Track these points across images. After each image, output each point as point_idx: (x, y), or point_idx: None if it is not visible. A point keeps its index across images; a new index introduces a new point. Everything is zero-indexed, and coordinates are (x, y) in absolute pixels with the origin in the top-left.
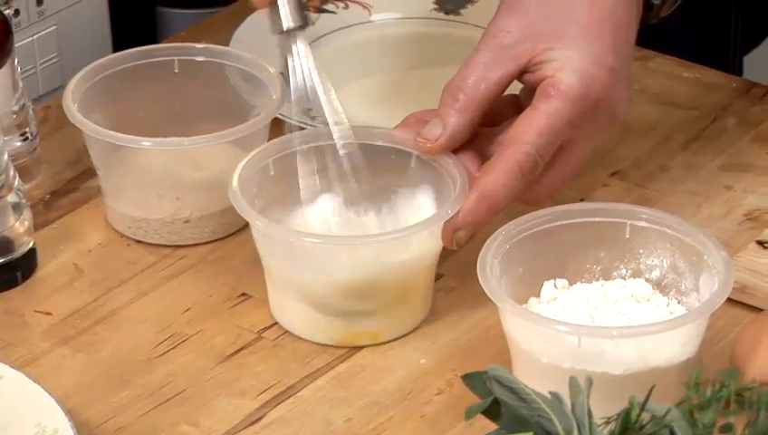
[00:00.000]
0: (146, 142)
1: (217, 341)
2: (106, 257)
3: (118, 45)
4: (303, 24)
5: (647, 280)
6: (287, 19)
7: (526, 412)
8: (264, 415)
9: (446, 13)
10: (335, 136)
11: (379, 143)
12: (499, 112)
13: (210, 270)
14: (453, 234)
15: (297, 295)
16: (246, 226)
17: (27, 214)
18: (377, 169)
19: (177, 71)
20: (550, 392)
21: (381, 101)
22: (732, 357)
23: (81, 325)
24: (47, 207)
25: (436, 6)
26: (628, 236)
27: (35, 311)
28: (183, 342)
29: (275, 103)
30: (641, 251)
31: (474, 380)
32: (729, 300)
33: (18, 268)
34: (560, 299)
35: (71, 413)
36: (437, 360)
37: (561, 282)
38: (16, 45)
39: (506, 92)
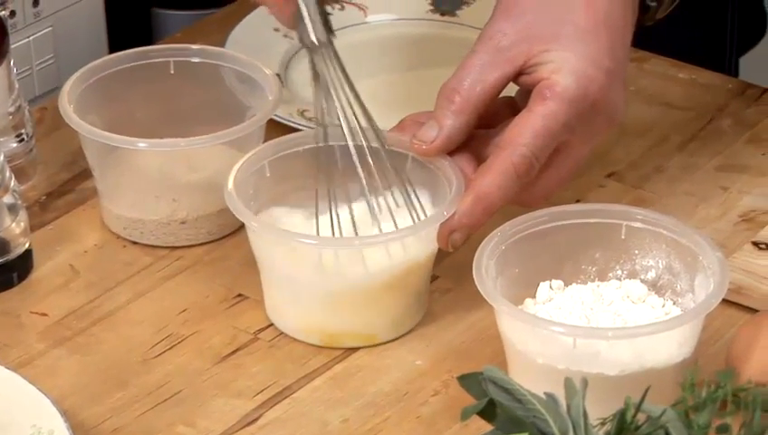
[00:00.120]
0: (142, 144)
1: (214, 342)
2: (102, 259)
3: (114, 47)
4: (330, 36)
5: (642, 281)
6: (314, 34)
7: (522, 413)
8: (261, 416)
9: (442, 14)
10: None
11: (375, 145)
12: (495, 114)
13: (206, 271)
14: (449, 236)
15: (293, 297)
16: (243, 226)
17: (23, 215)
18: (373, 170)
19: (172, 72)
20: (545, 393)
21: (377, 103)
22: (728, 358)
23: (78, 326)
24: (43, 209)
25: (431, 8)
26: (623, 237)
27: (31, 312)
28: (179, 342)
29: (271, 104)
30: (637, 252)
31: (469, 381)
32: (724, 301)
33: (14, 269)
34: (555, 300)
35: (67, 414)
36: (433, 361)
37: (557, 283)
38: (12, 46)
39: (502, 94)
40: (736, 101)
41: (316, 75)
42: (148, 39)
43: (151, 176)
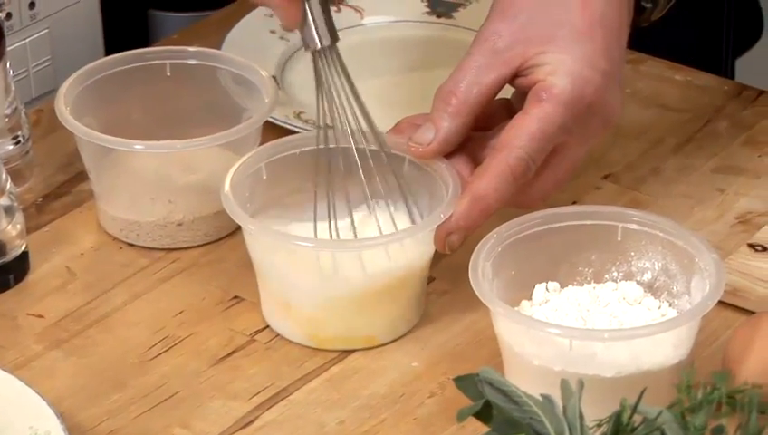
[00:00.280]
0: (138, 145)
1: (210, 343)
2: (98, 260)
3: (110, 49)
4: (334, 41)
5: (638, 283)
6: (317, 38)
7: (518, 415)
8: (257, 418)
9: (439, 16)
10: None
11: (372, 147)
12: (491, 116)
13: (203, 273)
14: (446, 238)
15: (289, 299)
16: (239, 228)
17: (19, 217)
18: (370, 173)
19: (169, 74)
20: (541, 395)
21: (374, 105)
22: (724, 359)
23: (74, 328)
24: (39, 211)
25: (428, 10)
26: (619, 238)
27: (28, 314)
28: (176, 344)
29: (267, 106)
30: (633, 254)
31: (465, 382)
32: (721, 303)
33: (10, 271)
34: (551, 302)
35: (63, 416)
36: (429, 363)
37: (553, 285)
38: (9, 49)
39: (498, 96)
40: (733, 103)
41: (319, 78)
42: (145, 41)
43: (148, 178)
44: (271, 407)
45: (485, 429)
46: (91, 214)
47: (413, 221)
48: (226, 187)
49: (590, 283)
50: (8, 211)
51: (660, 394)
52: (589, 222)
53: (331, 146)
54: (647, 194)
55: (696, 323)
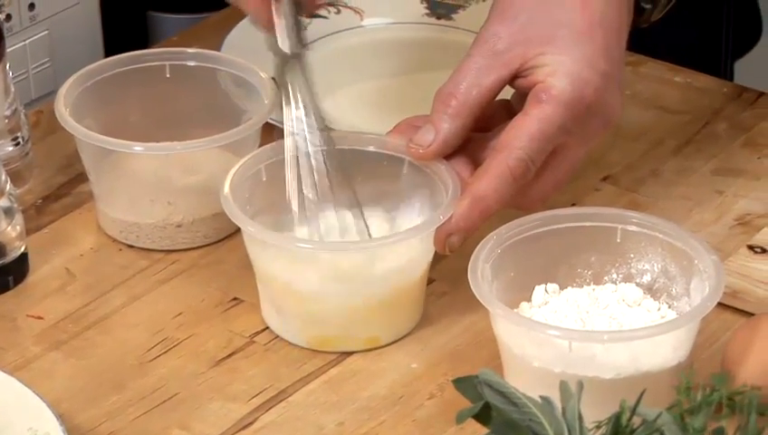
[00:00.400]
0: (137, 147)
1: (209, 345)
2: (98, 262)
3: (110, 50)
4: (300, 50)
5: (638, 284)
6: (284, 44)
7: (517, 416)
8: (256, 419)
9: (438, 18)
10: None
11: (371, 149)
12: (491, 118)
13: (202, 274)
14: (445, 239)
15: (288, 300)
16: (238, 230)
17: (19, 218)
18: (369, 175)
19: (168, 75)
20: (541, 397)
21: (373, 107)
22: (723, 361)
23: (73, 330)
24: (39, 212)
25: (427, 11)
26: (619, 240)
27: (27, 315)
28: (175, 346)
29: (267, 108)
30: (632, 255)
31: (465, 384)
32: (720, 304)
33: (10, 273)
34: (551, 303)
35: (62, 417)
36: (429, 364)
37: (552, 286)
38: (8, 50)
39: (498, 97)
40: (732, 104)
41: (283, 84)
42: (144, 43)
43: (147, 179)
44: (270, 408)
45: (485, 430)
46: (90, 215)
47: (409, 224)
48: (226, 188)
49: (589, 284)
50: (8, 212)
51: (660, 396)
52: (588, 224)
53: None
54: (646, 196)
55: (696, 325)
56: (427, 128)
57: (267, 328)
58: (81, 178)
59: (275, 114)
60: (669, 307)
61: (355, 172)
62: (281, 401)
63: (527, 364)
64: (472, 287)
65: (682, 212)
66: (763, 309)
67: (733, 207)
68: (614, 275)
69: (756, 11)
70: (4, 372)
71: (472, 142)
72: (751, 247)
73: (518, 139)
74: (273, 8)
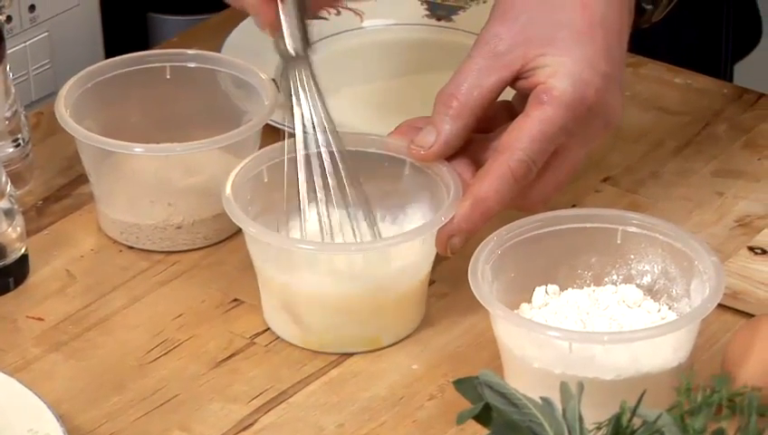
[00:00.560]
0: (138, 148)
1: (210, 346)
2: (98, 263)
3: (110, 52)
4: (307, 48)
5: (638, 286)
6: (290, 45)
7: (517, 417)
8: (256, 421)
9: (438, 19)
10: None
11: (373, 150)
12: (492, 118)
13: (202, 276)
14: (447, 241)
15: (290, 302)
16: (239, 231)
17: (19, 220)
18: (370, 176)
19: (168, 77)
20: (541, 398)
21: (374, 108)
22: (723, 362)
23: (74, 331)
24: (39, 214)
25: (428, 13)
26: (619, 241)
27: (27, 317)
28: (175, 347)
29: (267, 109)
30: (632, 257)
31: (465, 385)
32: (720, 306)
33: (10, 274)
34: (551, 305)
35: (63, 419)
36: (429, 365)
37: (553, 287)
38: (9, 52)
39: (499, 98)
40: (732, 106)
41: (286, 85)
42: (145, 44)
43: (147, 181)
44: (270, 410)
45: (485, 431)
46: (90, 217)
47: (411, 225)
48: (228, 190)
49: (589, 286)
50: (8, 214)
51: (660, 397)
52: (588, 225)
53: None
54: (646, 197)
55: (696, 326)
56: (428, 129)
57: (268, 329)
58: (82, 179)
59: (276, 115)
60: (669, 308)
61: (357, 174)
62: (281, 402)
63: (527, 365)
64: (472, 288)
65: (682, 213)
66: (764, 310)
67: (733, 209)
68: (614, 277)
69: (756, 13)
70: (5, 373)
71: (473, 143)
72: (751, 249)
73: (519, 140)
74: (280, 9)
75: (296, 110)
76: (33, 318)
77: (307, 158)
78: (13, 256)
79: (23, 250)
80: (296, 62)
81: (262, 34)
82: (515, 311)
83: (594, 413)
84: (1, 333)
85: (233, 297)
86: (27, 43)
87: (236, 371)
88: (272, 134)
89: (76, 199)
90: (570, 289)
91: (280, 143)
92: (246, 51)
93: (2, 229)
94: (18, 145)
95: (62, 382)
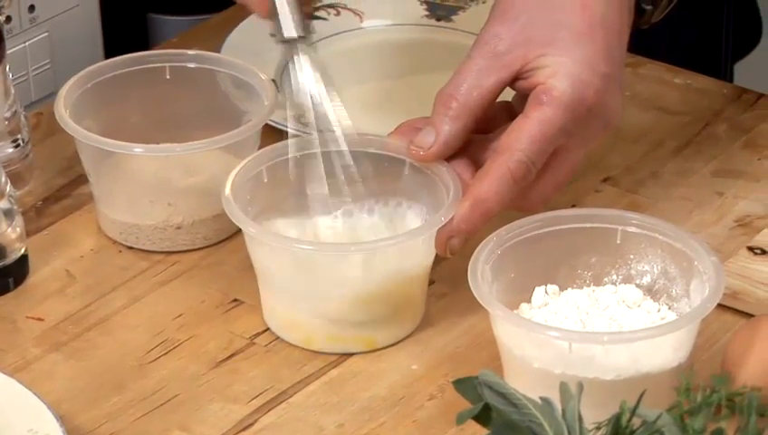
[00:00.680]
0: (137, 149)
1: (210, 346)
2: (98, 263)
3: (110, 52)
4: (305, 33)
5: (637, 286)
6: (288, 29)
7: (517, 417)
8: (256, 421)
9: (438, 19)
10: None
11: (372, 151)
12: (492, 119)
13: (202, 276)
14: (446, 241)
15: (289, 302)
16: (239, 231)
17: (19, 220)
18: (370, 176)
19: (168, 77)
20: (541, 398)
21: (373, 109)
22: (723, 362)
23: (74, 331)
24: (39, 214)
25: (427, 13)
26: (619, 241)
27: (27, 317)
28: (175, 347)
29: (267, 109)
30: (632, 257)
31: (465, 385)
32: (720, 306)
33: (10, 274)
34: (551, 305)
35: (63, 419)
36: (429, 365)
37: (552, 288)
38: (8, 52)
39: (499, 99)
40: (732, 106)
41: (285, 71)
42: (145, 44)
43: (147, 181)
44: (270, 410)
45: (485, 431)
46: (90, 217)
47: (410, 225)
48: (227, 190)
49: (589, 286)
50: (8, 214)
51: (660, 397)
52: (588, 225)
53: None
54: (646, 197)
55: (696, 326)
56: (427, 130)
57: (268, 329)
58: (82, 179)
59: (275, 115)
60: (669, 308)
61: (357, 174)
62: (281, 402)
63: (527, 365)
64: (472, 289)
65: (682, 213)
66: (763, 310)
67: (733, 209)
68: (614, 277)
69: (756, 13)
70: (5, 373)
71: (473, 144)
72: (751, 249)
73: (519, 141)
74: None
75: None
76: (32, 318)
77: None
78: (12, 257)
79: (22, 250)
80: (295, 45)
81: (262, 35)
82: (515, 311)
83: (594, 413)
84: (1, 333)
85: (233, 297)
86: (27, 43)
87: (236, 371)
88: (271, 134)
89: (76, 200)
90: (569, 289)
91: (280, 143)
92: (246, 51)
93: (1, 230)
94: (18, 145)
95: (61, 383)
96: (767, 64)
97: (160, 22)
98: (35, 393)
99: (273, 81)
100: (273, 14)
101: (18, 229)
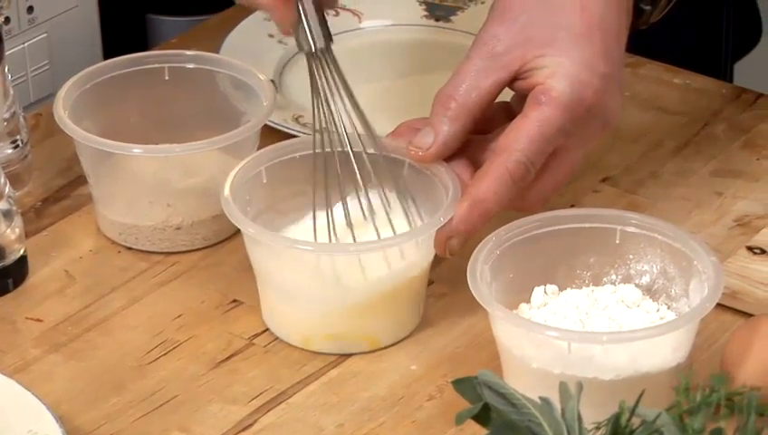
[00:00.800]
0: (136, 149)
1: (209, 347)
2: (97, 264)
3: (108, 53)
4: (328, 42)
5: (637, 286)
6: (311, 41)
7: (516, 417)
8: (256, 421)
9: (437, 20)
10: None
11: (372, 151)
12: (491, 119)
13: (202, 276)
14: (446, 242)
15: (288, 303)
16: (238, 232)
17: (18, 221)
18: (369, 177)
19: (167, 78)
20: (540, 398)
21: (372, 109)
22: (722, 362)
23: (73, 332)
24: (38, 215)
25: (426, 13)
26: (618, 241)
27: (27, 318)
28: (175, 348)
29: (266, 110)
30: (631, 257)
31: (464, 385)
32: (719, 305)
33: (9, 275)
34: (550, 305)
35: (62, 420)
36: (428, 365)
37: (552, 288)
38: (7, 53)
39: (497, 99)
40: (731, 106)
41: (314, 81)
42: (143, 45)
43: (146, 181)
44: (269, 410)
45: (484, 431)
46: (89, 218)
47: (411, 225)
48: (226, 191)
49: (588, 286)
50: (7, 215)
51: (659, 397)
52: (587, 225)
53: (327, 150)
54: (645, 197)
55: (695, 326)
56: (426, 130)
57: (267, 330)
58: (80, 180)
59: (274, 116)
60: (668, 308)
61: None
62: (281, 402)
63: (526, 365)
64: (471, 289)
65: (681, 213)
66: (762, 310)
67: (732, 209)
68: (613, 277)
69: (756, 12)
70: (4, 374)
71: (471, 144)
72: (750, 248)
73: (517, 141)
74: (302, 5)
75: (318, 106)
76: (32, 319)
77: (328, 156)
78: (12, 258)
79: (22, 251)
80: (319, 57)
81: (261, 36)
82: (514, 311)
83: (593, 413)
84: (0, 334)
85: (232, 298)
86: (26, 44)
87: (236, 371)
88: (270, 135)
89: (75, 200)
90: (568, 289)
91: (280, 143)
92: (245, 52)
93: (1, 230)
94: (17, 146)
95: (61, 383)
96: (767, 64)
97: (159, 23)
98: (35, 394)
99: (272, 81)
100: (296, 26)
101: (17, 230)
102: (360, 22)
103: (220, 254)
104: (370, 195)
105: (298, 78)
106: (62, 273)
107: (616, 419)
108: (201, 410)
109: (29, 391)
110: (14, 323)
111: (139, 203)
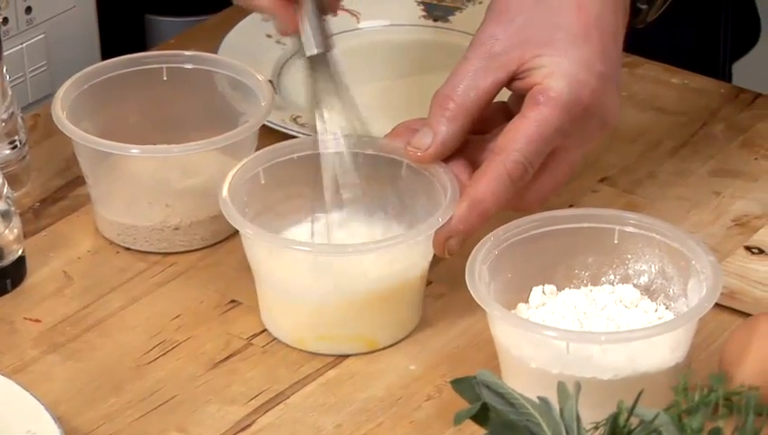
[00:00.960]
0: (135, 150)
1: (207, 347)
2: (95, 265)
3: (106, 53)
4: (328, 48)
5: (635, 285)
6: (311, 46)
7: (515, 417)
8: (254, 422)
9: (435, 20)
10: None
11: (370, 152)
12: (489, 120)
13: (200, 277)
14: (444, 242)
15: (287, 303)
16: (236, 233)
17: (16, 222)
18: (367, 177)
19: (165, 78)
20: (538, 397)
21: (370, 109)
22: (720, 362)
23: (71, 332)
24: (36, 215)
25: (424, 13)
26: (616, 241)
27: (25, 318)
28: (173, 348)
29: (264, 110)
30: (630, 257)
31: (463, 385)
32: (717, 305)
33: (7, 276)
34: (548, 305)
35: (60, 420)
36: (427, 366)
37: (550, 287)
38: (5, 53)
39: (496, 99)
40: (729, 105)
41: (314, 85)
42: (142, 45)
43: (144, 182)
44: (268, 411)
45: (483, 431)
46: (88, 218)
47: (408, 226)
48: (224, 192)
49: (586, 286)
50: (5, 216)
51: (657, 397)
52: (585, 225)
53: (326, 151)
54: (643, 197)
55: (693, 326)
56: (424, 131)
57: (265, 330)
58: (79, 181)
59: (272, 116)
60: (667, 308)
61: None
62: (279, 403)
63: (525, 365)
64: (469, 289)
65: (679, 213)
66: (761, 309)
67: (730, 208)
68: (611, 277)
69: (754, 12)
70: (2, 374)
71: (470, 145)
72: (748, 248)
73: (515, 141)
74: (302, 10)
75: (315, 109)
76: (30, 320)
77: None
78: (10, 258)
79: (20, 252)
80: (319, 60)
81: (259, 36)
82: (512, 311)
83: (591, 413)
84: None
85: (230, 298)
86: (24, 44)
87: (234, 372)
88: (269, 135)
89: (73, 201)
90: (567, 289)
91: (278, 144)
92: (243, 52)
93: None
94: (15, 147)
95: (59, 384)
96: (765, 64)
97: (157, 23)
98: (33, 395)
99: (270, 82)
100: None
101: (16, 231)
102: (358, 22)
103: (218, 254)
104: (369, 196)
105: (296, 78)
106: (61, 273)
107: (614, 418)
108: (199, 411)
109: (27, 391)
110: (12, 324)
111: (138, 203)
